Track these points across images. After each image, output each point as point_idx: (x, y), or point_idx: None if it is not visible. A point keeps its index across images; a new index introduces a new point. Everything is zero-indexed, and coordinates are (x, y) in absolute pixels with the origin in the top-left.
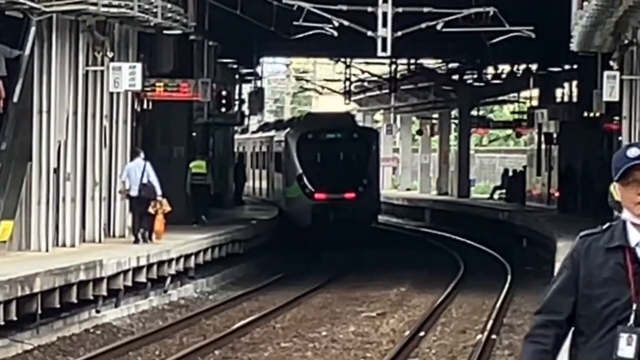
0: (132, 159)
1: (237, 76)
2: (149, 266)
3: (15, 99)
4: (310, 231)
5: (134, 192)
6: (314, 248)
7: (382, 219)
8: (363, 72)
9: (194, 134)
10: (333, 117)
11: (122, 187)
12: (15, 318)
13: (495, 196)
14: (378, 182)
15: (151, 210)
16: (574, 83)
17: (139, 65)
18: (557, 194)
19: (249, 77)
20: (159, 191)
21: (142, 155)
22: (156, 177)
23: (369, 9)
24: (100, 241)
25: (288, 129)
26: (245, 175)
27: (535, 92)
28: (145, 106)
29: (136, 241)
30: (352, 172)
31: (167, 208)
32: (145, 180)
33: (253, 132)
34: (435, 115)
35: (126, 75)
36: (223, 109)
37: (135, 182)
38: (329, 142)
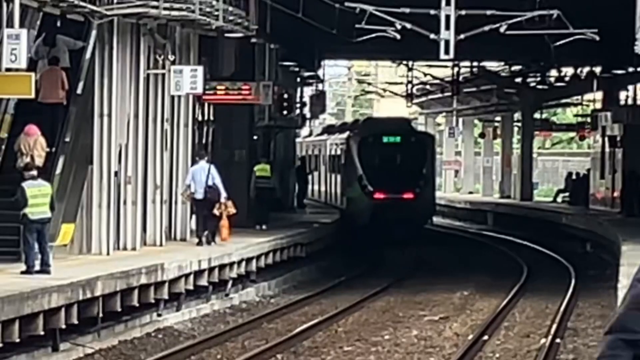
0: (196, 162)
1: (298, 79)
2: (211, 269)
3: (79, 91)
4: (370, 229)
5: (199, 195)
6: (374, 248)
7: (444, 222)
8: (425, 74)
9: (255, 137)
10: (392, 122)
11: (187, 190)
12: (76, 322)
13: (559, 199)
14: (434, 184)
15: (216, 212)
16: (639, 86)
17: (200, 69)
18: (620, 198)
19: (310, 80)
20: (223, 193)
21: (206, 158)
22: (220, 179)
23: (432, 11)
24: (161, 244)
25: (349, 133)
26: (307, 179)
27: (599, 95)
28: (206, 109)
29: (200, 243)
30: (409, 173)
31: (232, 210)
32: (210, 183)
33: (316, 135)
34: (498, 118)
35: (187, 79)
36: (284, 112)
37: (200, 184)
38: (388, 145)
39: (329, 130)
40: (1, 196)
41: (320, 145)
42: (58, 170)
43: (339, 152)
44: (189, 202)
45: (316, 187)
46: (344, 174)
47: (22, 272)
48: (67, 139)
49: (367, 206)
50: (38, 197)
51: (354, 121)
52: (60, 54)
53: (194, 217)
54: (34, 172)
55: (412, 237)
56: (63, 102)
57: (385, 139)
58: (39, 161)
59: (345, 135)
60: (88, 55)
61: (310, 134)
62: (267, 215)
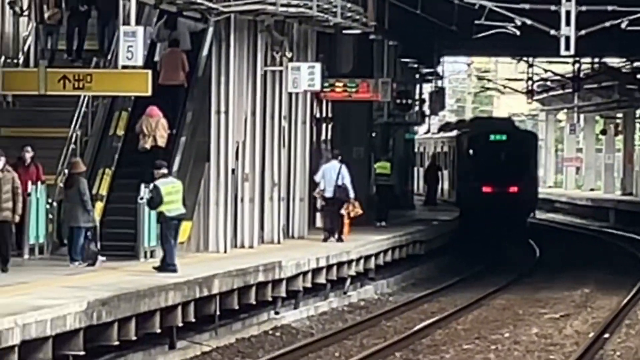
0: (327, 161)
1: (417, 76)
2: (329, 267)
3: (199, 73)
4: (478, 220)
5: (328, 193)
6: (493, 245)
7: (565, 220)
8: (546, 71)
9: (373, 134)
10: (498, 121)
11: (318, 188)
12: (193, 319)
13: None
14: (536, 179)
15: (344, 212)
16: None
17: (318, 65)
18: None
19: (429, 77)
20: (352, 194)
21: (340, 157)
22: (350, 179)
23: (552, 7)
24: (279, 242)
25: (457, 131)
26: (439, 177)
27: None
28: (324, 106)
29: (325, 240)
30: (514, 169)
31: (360, 211)
32: (340, 182)
33: (433, 133)
34: (620, 115)
35: (305, 75)
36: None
37: (330, 183)
38: (495, 143)
39: (442, 128)
40: (119, 192)
41: (432, 143)
42: (175, 168)
43: (447, 149)
44: (320, 199)
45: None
46: (454, 169)
47: (155, 268)
48: (183, 138)
49: (475, 199)
50: (172, 194)
51: (459, 120)
52: (181, 37)
53: (318, 214)
54: (165, 171)
55: (516, 227)
56: (184, 84)
57: (492, 137)
58: (162, 142)
59: (454, 133)
60: (205, 52)
61: (427, 132)
62: (387, 212)
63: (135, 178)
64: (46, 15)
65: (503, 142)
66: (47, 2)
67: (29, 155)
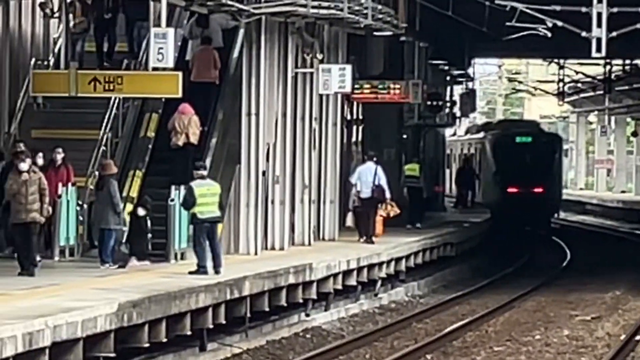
0: (359, 163)
1: (448, 77)
2: (359, 269)
3: (231, 72)
4: (504, 220)
5: (365, 194)
6: (524, 247)
7: (595, 221)
8: (577, 73)
9: (404, 136)
10: (523, 124)
11: (354, 189)
12: (224, 321)
13: None
14: (560, 180)
15: (382, 212)
16: None
17: (348, 67)
18: None
19: (460, 79)
20: (388, 194)
21: (375, 159)
22: (386, 180)
23: (583, 9)
24: (309, 244)
25: (484, 133)
26: (474, 179)
27: None
28: (354, 108)
29: (363, 240)
30: (539, 170)
31: (397, 210)
32: (377, 183)
33: (459, 136)
34: None
35: (336, 77)
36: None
37: (366, 184)
38: (521, 145)
39: (469, 130)
40: (150, 197)
41: (459, 145)
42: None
43: (473, 151)
44: (357, 200)
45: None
46: (480, 170)
47: (191, 272)
48: (214, 139)
49: (501, 199)
50: (207, 196)
51: (485, 123)
52: (213, 34)
53: (349, 215)
54: (203, 172)
55: (540, 226)
56: (216, 82)
57: (518, 139)
58: (194, 139)
59: (480, 135)
60: (236, 54)
61: (454, 134)
62: (423, 214)
63: (166, 178)
64: (71, 24)
65: (528, 144)
66: (73, 11)
67: (59, 156)
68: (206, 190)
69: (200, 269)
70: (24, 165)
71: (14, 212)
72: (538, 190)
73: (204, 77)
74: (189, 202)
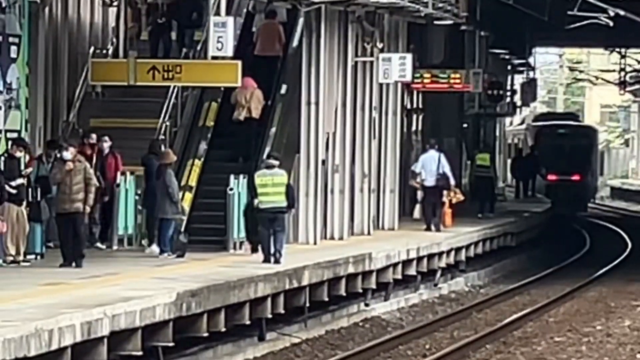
0: (421, 152)
1: (509, 67)
2: (419, 259)
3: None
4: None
5: (429, 182)
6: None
7: None
8: (638, 62)
9: (465, 125)
10: (563, 116)
11: (417, 177)
12: (283, 311)
13: None
14: (596, 169)
15: (445, 199)
16: None
17: (409, 56)
18: None
19: (521, 68)
20: (452, 181)
21: (436, 147)
22: (450, 168)
23: None
24: (369, 233)
25: (527, 124)
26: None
27: None
28: (415, 97)
29: (428, 229)
30: (577, 159)
31: (461, 197)
32: (441, 171)
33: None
34: None
35: (396, 66)
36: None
37: (430, 173)
38: (560, 135)
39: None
40: (208, 185)
41: (511, 136)
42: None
43: (517, 141)
44: (419, 189)
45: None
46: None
47: (262, 261)
48: (274, 129)
49: (542, 185)
50: (268, 186)
51: (539, 115)
52: (278, 8)
53: (417, 206)
54: (273, 162)
55: (578, 211)
56: (279, 56)
57: (557, 130)
58: (256, 113)
59: (524, 126)
60: (295, 43)
61: (510, 124)
62: (494, 203)
63: (226, 165)
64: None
65: (567, 134)
66: (124, 17)
67: (106, 145)
68: (268, 180)
69: (265, 258)
70: (67, 154)
71: (58, 202)
72: (576, 177)
73: (268, 51)
74: (250, 191)
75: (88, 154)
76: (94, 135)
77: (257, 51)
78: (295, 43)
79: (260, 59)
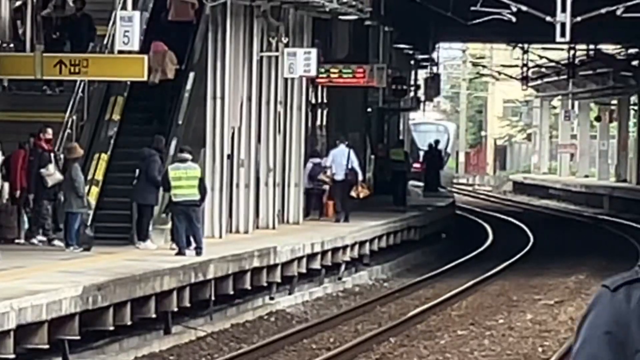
0: (331, 146)
1: (412, 62)
2: (323, 253)
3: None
4: None
5: (339, 177)
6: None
7: (559, 206)
8: (541, 57)
9: (369, 119)
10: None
11: (328, 172)
12: (188, 304)
13: None
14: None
15: (353, 194)
16: None
17: (314, 51)
18: None
19: (424, 63)
20: (360, 176)
21: (346, 142)
22: (358, 163)
23: None
24: (274, 227)
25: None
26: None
27: None
28: (319, 92)
29: (337, 221)
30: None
31: (367, 192)
32: (350, 166)
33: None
34: (614, 102)
35: (301, 61)
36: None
37: (340, 167)
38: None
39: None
40: (111, 182)
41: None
42: (171, 152)
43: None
44: (329, 183)
45: None
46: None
47: (176, 254)
48: (180, 122)
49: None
50: (182, 179)
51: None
52: None
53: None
54: (186, 155)
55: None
56: (193, 21)
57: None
58: (171, 74)
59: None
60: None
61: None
62: (405, 197)
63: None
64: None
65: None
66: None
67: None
68: (182, 173)
69: (180, 250)
70: None
71: None
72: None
73: (181, 16)
74: (164, 185)
75: (46, 149)
76: (50, 130)
77: (171, 16)
78: (198, 46)
79: (174, 23)
